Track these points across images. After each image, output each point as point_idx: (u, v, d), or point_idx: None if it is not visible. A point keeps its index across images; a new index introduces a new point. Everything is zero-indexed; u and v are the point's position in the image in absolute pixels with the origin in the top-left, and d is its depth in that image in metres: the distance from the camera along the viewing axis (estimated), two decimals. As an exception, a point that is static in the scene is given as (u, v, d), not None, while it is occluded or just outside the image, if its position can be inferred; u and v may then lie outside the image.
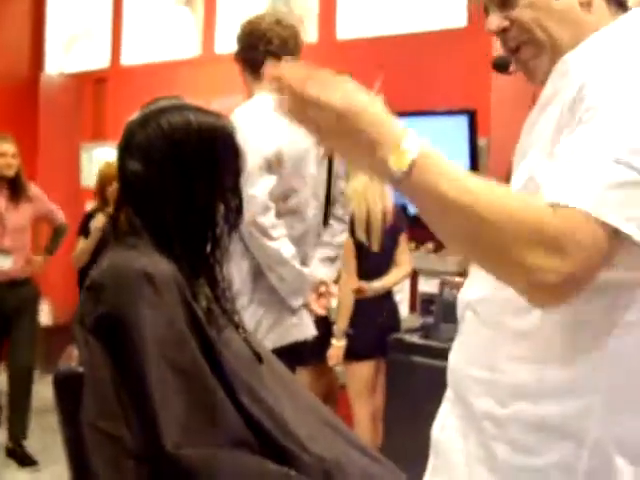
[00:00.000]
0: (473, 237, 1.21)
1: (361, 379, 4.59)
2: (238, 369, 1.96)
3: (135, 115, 2.06)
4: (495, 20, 1.45)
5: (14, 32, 7.93)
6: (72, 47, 7.97)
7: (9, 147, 5.43)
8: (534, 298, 1.22)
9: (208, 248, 2.08)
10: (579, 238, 1.16)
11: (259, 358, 2.08)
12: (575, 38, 1.38)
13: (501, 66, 1.61)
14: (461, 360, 1.44)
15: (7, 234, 5.43)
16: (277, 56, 3.26)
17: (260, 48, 3.30)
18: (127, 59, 7.41)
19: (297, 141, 3.18)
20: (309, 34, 6.01)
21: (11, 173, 5.42)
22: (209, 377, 1.88)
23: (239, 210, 2.09)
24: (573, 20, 1.39)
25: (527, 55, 1.46)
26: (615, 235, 1.17)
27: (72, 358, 1.93)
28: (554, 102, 1.30)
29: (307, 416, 2.08)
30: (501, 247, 1.18)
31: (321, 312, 3.53)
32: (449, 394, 1.47)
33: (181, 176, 1.99)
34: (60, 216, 5.79)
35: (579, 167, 1.19)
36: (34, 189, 5.64)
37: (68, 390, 1.90)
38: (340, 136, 1.26)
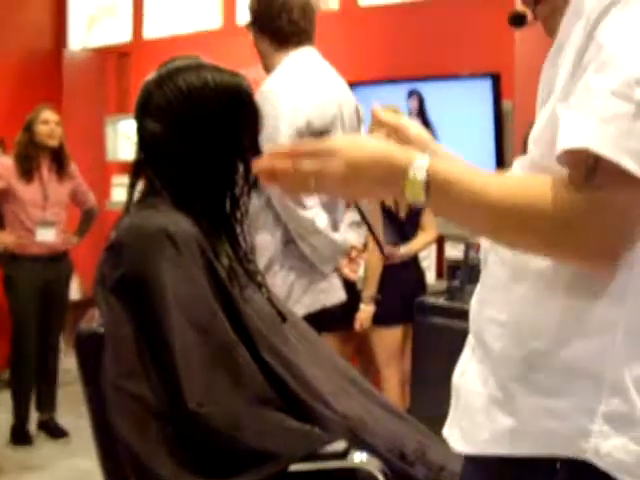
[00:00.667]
0: (518, 232, 1.25)
1: (389, 345, 4.59)
2: (261, 327, 1.95)
3: (152, 75, 2.06)
4: None
5: (37, 9, 7.93)
6: (95, 22, 7.96)
7: (52, 115, 5.34)
8: (599, 267, 1.24)
9: (228, 207, 2.07)
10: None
11: (282, 317, 2.07)
12: None
13: (517, 20, 1.58)
14: (480, 302, 1.42)
15: (49, 207, 5.36)
16: (298, 24, 3.28)
17: (283, 17, 3.28)
18: (149, 32, 7.40)
19: (325, 110, 3.20)
20: (330, 1, 5.97)
21: (55, 143, 5.32)
22: (231, 334, 1.88)
23: None
24: None
25: (544, 12, 1.44)
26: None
27: (94, 319, 1.93)
28: (570, 42, 1.27)
29: (331, 374, 2.08)
30: (541, 238, 1.23)
31: (353, 276, 3.58)
32: (470, 339, 1.45)
33: (199, 135, 1.99)
34: (92, 199, 5.73)
35: (581, 106, 1.17)
36: (73, 166, 5.57)
37: (89, 350, 1.91)
38: (353, 189, 1.34)
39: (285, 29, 3.29)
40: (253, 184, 2.07)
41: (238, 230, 2.08)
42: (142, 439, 1.80)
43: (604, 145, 1.14)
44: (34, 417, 5.45)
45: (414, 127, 1.63)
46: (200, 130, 1.99)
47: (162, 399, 1.80)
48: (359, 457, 1.85)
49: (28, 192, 5.26)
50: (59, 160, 5.39)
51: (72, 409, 5.52)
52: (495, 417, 1.33)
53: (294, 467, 1.79)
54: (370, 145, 1.33)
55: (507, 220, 1.23)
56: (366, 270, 4.53)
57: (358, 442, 1.90)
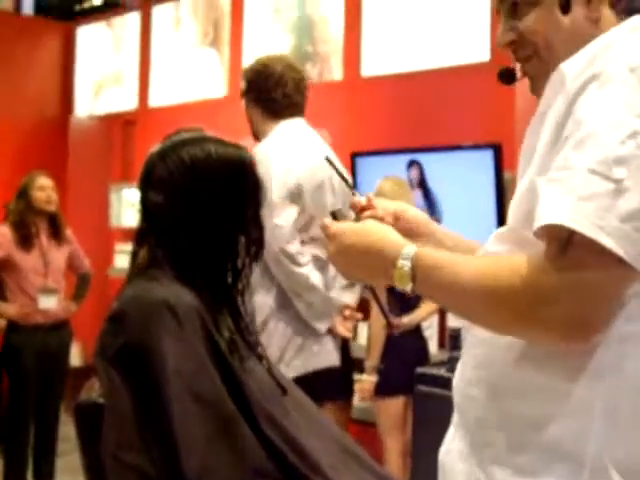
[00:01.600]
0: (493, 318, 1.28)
1: (392, 415, 4.54)
2: (261, 400, 1.95)
3: (156, 147, 2.08)
4: (503, 32, 1.47)
5: (45, 76, 8.05)
6: (101, 89, 8.06)
7: (47, 180, 5.35)
8: (573, 345, 1.25)
9: (230, 279, 2.08)
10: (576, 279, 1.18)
11: (283, 389, 2.07)
12: None
13: (506, 76, 1.60)
14: (461, 380, 1.43)
15: (50, 273, 5.33)
16: (292, 98, 3.48)
17: (279, 91, 3.47)
18: (155, 101, 7.48)
19: (315, 172, 3.34)
20: (334, 72, 6.04)
21: (52, 208, 5.32)
22: (231, 408, 1.88)
23: (260, 241, 2.09)
24: (580, 38, 1.37)
25: (532, 70, 1.47)
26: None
27: (94, 389, 1.93)
28: (549, 114, 1.30)
29: (330, 447, 2.07)
30: (515, 317, 1.24)
31: (347, 334, 3.60)
32: (454, 417, 1.45)
33: (202, 208, 2.00)
34: (87, 264, 5.70)
35: (560, 183, 1.20)
36: (69, 231, 5.56)
37: (89, 421, 1.90)
38: (348, 273, 1.51)
39: (279, 102, 3.48)
40: (255, 256, 2.08)
41: (239, 301, 2.09)
42: None
43: (581, 222, 1.15)
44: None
45: (410, 210, 1.70)
46: (202, 202, 2.00)
47: (161, 472, 1.79)
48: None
49: (29, 260, 5.25)
50: (56, 225, 5.40)
51: (69, 478, 5.48)
52: None
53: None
54: (367, 233, 1.44)
55: (478, 299, 1.27)
56: (369, 340, 4.51)
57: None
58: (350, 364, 4.36)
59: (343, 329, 3.54)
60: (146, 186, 2.05)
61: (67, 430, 5.53)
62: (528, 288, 1.20)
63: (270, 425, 1.92)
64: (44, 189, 5.30)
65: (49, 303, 5.32)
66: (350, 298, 3.61)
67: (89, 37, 8.22)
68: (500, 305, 1.24)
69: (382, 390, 4.48)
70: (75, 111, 8.20)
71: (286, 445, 1.91)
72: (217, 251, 2.04)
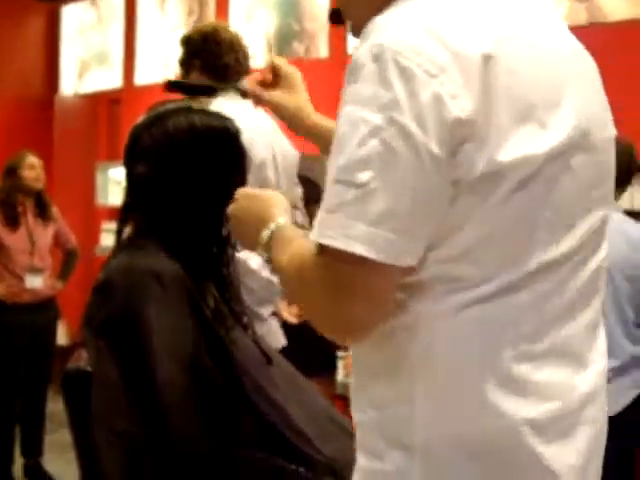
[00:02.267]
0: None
1: None
2: (247, 368, 1.96)
3: (141, 118, 2.08)
4: None
5: (29, 54, 8.00)
6: (86, 69, 8.03)
7: (36, 160, 5.38)
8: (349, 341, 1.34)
9: (215, 249, 2.08)
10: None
11: (268, 359, 2.08)
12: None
13: (334, 17, 1.60)
14: None
15: (36, 252, 5.34)
16: (241, 65, 3.32)
17: (231, 56, 3.31)
18: (140, 79, 7.45)
19: (257, 151, 3.16)
20: (320, 49, 6.03)
21: (40, 186, 5.36)
22: (218, 376, 1.89)
23: None
24: None
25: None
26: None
27: (81, 359, 1.94)
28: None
29: (317, 416, 2.08)
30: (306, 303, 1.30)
31: (292, 320, 3.55)
32: None
33: (187, 178, 2.01)
34: (72, 240, 5.71)
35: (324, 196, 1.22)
36: (55, 209, 5.58)
37: (76, 390, 1.91)
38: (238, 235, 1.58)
39: (231, 67, 3.30)
40: None
41: (224, 272, 2.10)
42: (130, 477, 1.80)
43: (330, 235, 1.16)
44: (19, 463, 5.40)
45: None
46: (187, 173, 2.00)
47: (150, 438, 1.81)
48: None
49: (15, 240, 5.26)
50: (42, 204, 5.41)
51: (59, 455, 5.50)
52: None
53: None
54: (254, 198, 1.54)
55: (287, 279, 1.32)
56: None
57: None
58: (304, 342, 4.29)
59: (288, 314, 3.50)
60: (131, 157, 2.06)
61: (54, 407, 5.55)
62: (300, 276, 1.25)
63: (257, 393, 1.93)
64: (34, 168, 5.33)
65: (36, 282, 5.33)
66: None
67: (74, 16, 8.18)
68: (291, 286, 1.32)
69: None
70: (60, 90, 8.17)
71: (274, 413, 1.93)
72: (202, 221, 2.04)
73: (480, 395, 1.21)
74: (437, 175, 1.15)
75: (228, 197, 2.05)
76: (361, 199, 1.14)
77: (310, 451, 1.93)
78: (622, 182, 3.72)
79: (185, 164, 2.00)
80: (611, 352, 3.72)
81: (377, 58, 1.17)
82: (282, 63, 1.86)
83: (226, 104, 3.25)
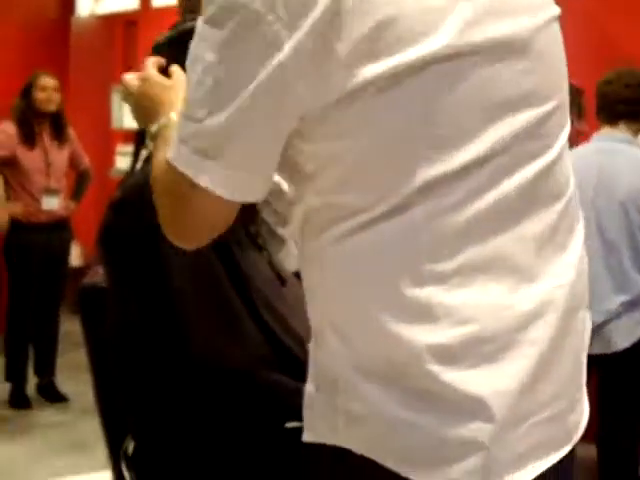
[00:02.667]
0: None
1: None
2: (260, 287, 1.97)
3: (162, 36, 2.06)
4: None
5: (45, -26, 7.95)
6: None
7: (50, 80, 5.35)
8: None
9: None
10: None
11: (282, 280, 2.09)
12: None
13: None
14: None
15: (52, 173, 5.39)
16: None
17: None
18: (157, 1, 7.39)
19: None
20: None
21: (53, 108, 5.34)
22: (230, 291, 1.90)
23: None
24: None
25: None
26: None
27: (97, 276, 1.95)
28: None
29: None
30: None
31: None
32: None
33: None
34: (86, 161, 5.73)
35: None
36: (71, 131, 5.58)
37: (92, 304, 1.93)
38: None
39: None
40: None
41: None
42: (145, 393, 1.82)
43: (178, 161, 1.20)
44: (32, 382, 5.48)
45: None
46: None
47: (166, 351, 1.82)
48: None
49: (31, 160, 5.28)
50: (58, 126, 5.41)
51: (72, 375, 5.57)
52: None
53: (289, 423, 1.82)
54: (157, 85, 1.57)
55: (152, 179, 1.33)
56: None
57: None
58: None
59: None
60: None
61: (66, 328, 5.62)
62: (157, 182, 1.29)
63: (269, 312, 1.94)
64: (45, 89, 5.30)
65: (52, 203, 5.37)
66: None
67: None
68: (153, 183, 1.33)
69: None
70: (77, 11, 8.10)
71: (284, 332, 1.94)
72: None
73: (379, 324, 1.17)
74: (272, 111, 1.15)
75: None
76: (200, 134, 1.17)
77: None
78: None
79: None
80: (623, 286, 3.72)
81: None
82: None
83: None
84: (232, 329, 1.87)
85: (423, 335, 1.15)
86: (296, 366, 1.93)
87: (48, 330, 5.50)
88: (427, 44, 1.11)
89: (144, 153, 2.06)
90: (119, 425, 1.88)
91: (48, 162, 5.35)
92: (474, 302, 1.17)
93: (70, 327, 6.05)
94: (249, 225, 2.08)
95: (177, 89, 1.52)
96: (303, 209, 1.25)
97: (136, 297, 1.85)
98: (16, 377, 5.37)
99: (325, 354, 1.26)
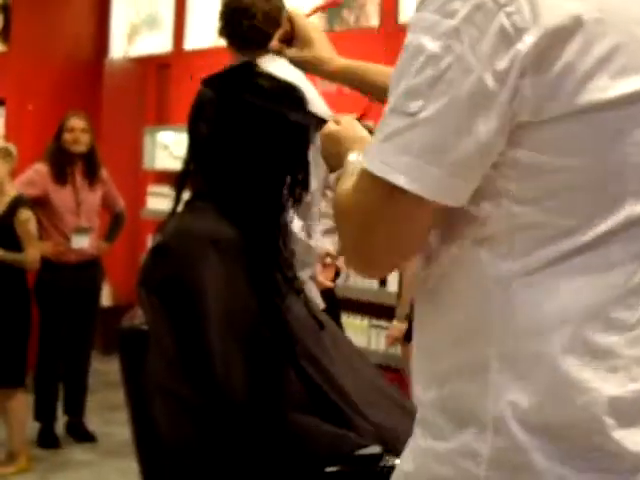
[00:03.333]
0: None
1: None
2: (300, 336, 1.97)
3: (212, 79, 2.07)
4: None
5: (81, 16, 8.02)
6: (137, 32, 8.04)
7: (78, 122, 5.38)
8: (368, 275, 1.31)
9: (272, 218, 2.08)
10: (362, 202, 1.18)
11: (320, 324, 2.09)
12: None
13: None
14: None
15: (83, 213, 5.42)
16: (261, 30, 3.27)
17: (245, 22, 3.30)
18: (190, 44, 7.46)
19: None
20: (371, 18, 6.00)
21: (81, 149, 5.37)
22: (271, 343, 1.90)
23: (305, 184, 2.09)
24: None
25: None
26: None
27: (136, 317, 1.96)
28: None
29: (365, 384, 2.09)
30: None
31: (329, 284, 3.55)
32: None
33: (250, 145, 2.00)
34: (121, 203, 5.77)
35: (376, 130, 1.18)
36: (104, 172, 5.62)
37: (131, 346, 1.93)
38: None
39: (246, 34, 3.30)
40: (298, 197, 2.08)
41: (280, 239, 2.09)
42: (182, 437, 1.82)
43: (374, 162, 1.14)
44: (61, 420, 5.49)
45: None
46: (252, 137, 2.00)
47: (202, 401, 1.83)
48: (394, 461, 1.86)
49: (62, 199, 5.34)
50: (90, 166, 5.45)
51: (99, 415, 5.59)
52: (404, 455, 1.31)
53: (329, 468, 1.81)
54: (352, 129, 1.52)
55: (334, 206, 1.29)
56: (400, 286, 4.51)
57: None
58: (337, 307, 4.28)
59: (323, 278, 3.48)
60: (195, 118, 2.05)
61: (95, 368, 5.64)
62: (346, 206, 1.23)
63: (309, 362, 1.95)
64: (73, 131, 5.36)
65: (82, 242, 5.40)
66: (330, 244, 3.54)
67: (125, -21, 8.20)
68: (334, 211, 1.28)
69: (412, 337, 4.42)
70: (110, 53, 8.20)
71: (325, 382, 1.94)
72: (262, 189, 2.03)
73: (558, 366, 1.11)
74: (492, 112, 1.08)
75: (290, 167, 2.06)
76: (409, 129, 1.10)
77: (359, 420, 1.94)
78: None
79: (251, 129, 2.00)
80: None
81: None
82: (296, 15, 1.88)
83: (284, 67, 3.29)
84: (270, 379, 1.87)
85: (606, 386, 1.11)
86: (333, 412, 1.93)
87: (78, 369, 5.51)
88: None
89: (184, 196, 2.08)
90: (156, 466, 1.87)
91: (79, 201, 5.39)
92: None
93: (99, 367, 6.08)
94: (287, 271, 2.09)
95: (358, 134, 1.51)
96: (491, 230, 1.15)
97: (173, 344, 1.85)
98: (45, 416, 5.37)
99: (471, 394, 1.17)
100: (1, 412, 4.90)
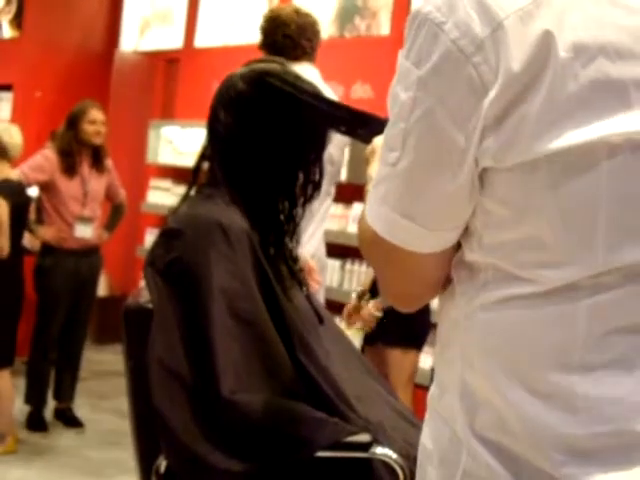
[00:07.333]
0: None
1: (407, 368, 4.47)
2: (298, 326, 2.01)
3: (240, 69, 2.11)
4: None
5: (93, 7, 8.06)
6: (148, 27, 8.08)
7: (99, 114, 5.40)
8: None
9: (282, 214, 2.12)
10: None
11: (320, 318, 2.13)
12: None
13: None
14: None
15: (88, 202, 5.43)
16: (294, 40, 3.53)
17: (279, 32, 3.54)
18: (200, 41, 7.49)
19: None
20: (382, 26, 6.04)
21: (99, 141, 5.41)
22: (270, 330, 1.94)
23: (318, 184, 2.14)
24: None
25: None
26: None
27: (141, 296, 2.00)
28: None
29: (357, 379, 2.14)
30: None
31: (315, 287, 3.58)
32: None
33: (270, 138, 2.04)
34: (122, 194, 5.79)
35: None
36: (109, 161, 5.64)
37: (135, 323, 1.97)
38: None
39: (280, 42, 3.53)
40: (310, 196, 2.14)
41: (289, 230, 2.13)
42: (180, 417, 1.86)
43: (367, 207, 1.19)
44: (50, 405, 5.51)
45: None
46: (271, 133, 2.04)
47: (198, 382, 1.86)
48: (382, 450, 1.91)
49: (70, 187, 5.34)
50: (99, 156, 5.48)
51: (87, 402, 5.62)
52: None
53: (320, 453, 1.85)
54: None
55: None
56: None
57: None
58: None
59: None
60: (219, 104, 2.09)
61: (87, 356, 5.66)
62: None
63: (305, 352, 1.99)
64: (95, 123, 5.35)
65: (85, 232, 5.42)
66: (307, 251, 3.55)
67: (140, -27, 8.24)
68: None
69: (405, 340, 4.37)
70: (121, 46, 8.23)
71: (318, 372, 1.98)
72: (275, 182, 2.08)
73: (515, 401, 1.10)
74: (463, 166, 1.07)
75: (305, 166, 2.10)
76: (389, 179, 1.12)
77: (348, 411, 1.98)
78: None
79: (272, 125, 2.05)
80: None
81: (412, 21, 1.09)
82: None
83: (310, 70, 3.39)
84: (267, 367, 1.91)
85: (560, 423, 1.08)
86: (325, 404, 1.97)
87: (71, 356, 5.53)
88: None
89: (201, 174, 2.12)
90: (152, 444, 1.91)
91: (85, 191, 5.41)
92: (615, 398, 1.08)
93: (91, 355, 6.11)
94: (292, 264, 2.13)
95: None
96: (471, 261, 1.16)
97: (177, 324, 1.89)
98: (36, 400, 5.39)
99: (450, 407, 1.19)
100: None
